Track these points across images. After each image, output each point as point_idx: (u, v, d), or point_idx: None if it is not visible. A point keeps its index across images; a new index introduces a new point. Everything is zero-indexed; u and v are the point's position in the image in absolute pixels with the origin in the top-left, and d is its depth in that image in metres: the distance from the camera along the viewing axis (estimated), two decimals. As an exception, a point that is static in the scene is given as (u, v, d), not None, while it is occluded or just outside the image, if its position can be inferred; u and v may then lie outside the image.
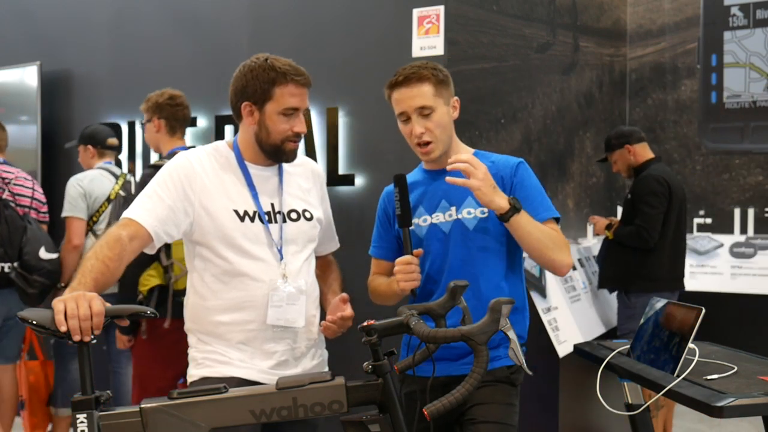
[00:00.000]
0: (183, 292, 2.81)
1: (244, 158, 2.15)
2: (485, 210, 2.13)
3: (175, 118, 3.29)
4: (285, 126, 2.08)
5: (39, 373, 3.95)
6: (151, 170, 3.07)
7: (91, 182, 3.78)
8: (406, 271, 2.09)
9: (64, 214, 3.74)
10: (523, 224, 2.04)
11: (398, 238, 2.30)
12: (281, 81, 2.05)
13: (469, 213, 2.15)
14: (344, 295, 2.11)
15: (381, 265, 2.35)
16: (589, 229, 4.93)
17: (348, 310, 2.07)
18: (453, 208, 2.17)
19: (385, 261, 2.34)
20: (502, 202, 2.01)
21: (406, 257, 2.10)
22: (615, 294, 4.22)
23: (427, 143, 2.14)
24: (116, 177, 3.86)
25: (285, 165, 2.20)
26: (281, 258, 2.10)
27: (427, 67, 2.15)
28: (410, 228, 2.19)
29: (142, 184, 3.07)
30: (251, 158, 2.15)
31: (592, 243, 4.82)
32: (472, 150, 2.27)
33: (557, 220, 2.17)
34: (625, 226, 4.05)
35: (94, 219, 3.77)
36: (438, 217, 2.19)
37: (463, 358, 2.12)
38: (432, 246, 2.17)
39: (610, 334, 4.11)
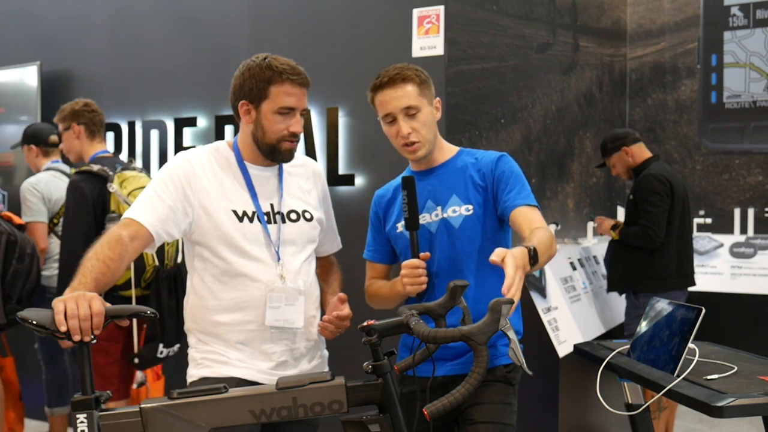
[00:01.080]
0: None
1: (244, 158, 2.14)
2: (470, 207, 2.14)
3: (93, 122, 3.39)
4: (281, 126, 2.07)
5: (12, 369, 3.93)
6: (80, 176, 3.13)
7: (47, 185, 3.80)
8: (413, 275, 2.09)
9: (25, 219, 3.73)
10: (542, 260, 1.91)
11: (390, 240, 2.30)
12: (277, 80, 2.05)
13: (454, 211, 2.15)
14: (342, 294, 2.11)
15: (376, 269, 2.34)
16: (589, 229, 4.93)
17: (345, 310, 2.07)
18: (439, 208, 2.17)
19: (380, 264, 2.34)
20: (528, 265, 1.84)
21: (414, 261, 2.10)
22: (622, 294, 4.21)
23: (414, 143, 2.14)
24: (68, 176, 3.82)
25: (285, 165, 2.20)
26: (278, 259, 2.10)
27: (409, 68, 2.15)
28: (400, 230, 2.19)
29: (71, 190, 3.12)
30: (251, 158, 2.15)
31: (592, 243, 4.82)
32: (456, 149, 2.27)
33: (537, 208, 2.09)
34: (630, 227, 4.04)
35: (55, 221, 3.80)
36: (425, 218, 2.18)
37: (460, 357, 2.12)
38: (420, 247, 2.16)
39: (610, 334, 4.11)
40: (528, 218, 2.02)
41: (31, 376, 4.87)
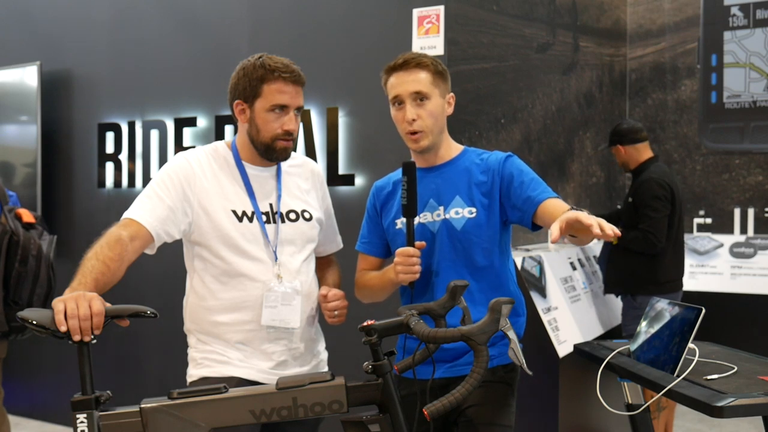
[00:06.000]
0: None
1: (242, 158, 2.15)
2: (473, 210, 2.11)
3: None
4: (275, 124, 2.07)
5: None
6: None
7: None
8: (407, 263, 2.04)
9: None
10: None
11: (386, 235, 2.27)
12: (269, 78, 2.05)
13: (457, 213, 2.12)
14: (322, 289, 2.16)
15: (368, 261, 2.31)
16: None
17: (330, 293, 2.10)
18: (441, 208, 2.14)
19: (373, 257, 2.30)
20: None
21: (408, 249, 2.05)
22: (619, 296, 4.20)
23: (417, 132, 2.11)
24: None
25: (283, 165, 2.20)
26: (276, 258, 2.10)
27: (426, 56, 2.14)
28: (399, 227, 2.17)
29: None
30: (249, 158, 2.15)
31: (593, 243, 4.81)
32: (461, 148, 2.24)
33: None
34: (630, 231, 3.99)
35: None
36: (426, 217, 2.15)
37: (459, 359, 2.11)
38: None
39: (610, 334, 4.11)
40: (559, 206, 1.98)
41: (31, 376, 4.88)
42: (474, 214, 2.11)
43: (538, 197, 2.04)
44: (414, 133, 2.11)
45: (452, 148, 2.23)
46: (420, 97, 2.09)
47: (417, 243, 2.08)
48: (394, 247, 2.20)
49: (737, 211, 5.67)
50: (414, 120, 2.09)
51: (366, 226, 2.33)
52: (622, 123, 4.41)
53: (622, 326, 4.11)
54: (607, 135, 4.42)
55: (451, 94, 2.19)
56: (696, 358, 2.34)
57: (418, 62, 2.10)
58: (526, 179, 2.09)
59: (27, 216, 3.34)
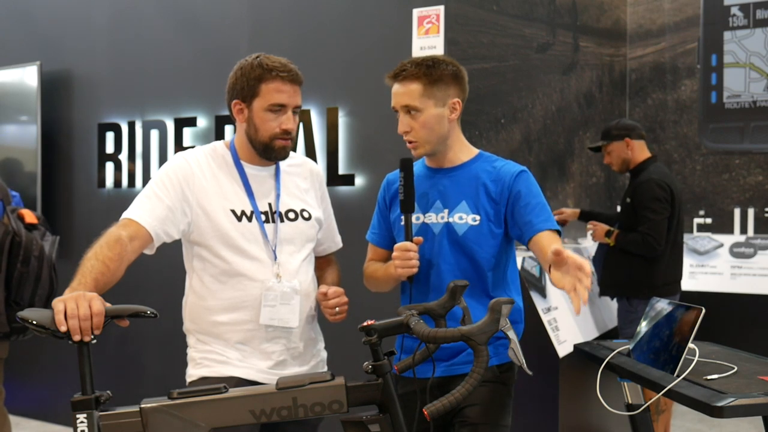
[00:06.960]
0: None
1: (241, 158, 2.15)
2: (477, 218, 2.10)
3: None
4: (273, 123, 2.07)
5: None
6: None
7: None
8: (404, 258, 2.06)
9: None
10: None
11: (393, 229, 2.28)
12: (267, 77, 2.06)
13: (461, 218, 2.12)
14: (321, 287, 2.14)
15: (376, 251, 2.32)
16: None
17: (330, 290, 2.09)
18: (446, 211, 2.14)
19: (381, 248, 2.31)
20: None
21: (406, 244, 2.07)
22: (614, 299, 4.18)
23: (411, 141, 2.12)
24: None
25: (282, 165, 2.20)
26: (275, 258, 2.10)
27: (422, 64, 2.09)
28: (403, 223, 2.18)
29: None
30: (247, 158, 2.15)
31: (591, 244, 4.81)
32: (475, 152, 2.22)
33: (558, 232, 2.06)
34: (628, 233, 3.93)
35: None
36: (430, 217, 2.16)
37: (455, 357, 2.10)
38: (422, 245, 2.14)
39: (610, 334, 4.10)
40: (550, 243, 1.97)
41: (31, 376, 4.88)
42: (477, 222, 2.11)
43: (537, 225, 2.05)
44: (409, 142, 2.13)
45: (464, 152, 2.20)
46: (410, 110, 2.10)
47: (415, 238, 2.10)
48: (399, 240, 2.21)
49: (737, 211, 5.67)
50: (407, 132, 2.11)
51: (376, 217, 2.35)
52: (622, 119, 4.38)
53: (619, 329, 4.08)
54: (608, 125, 4.36)
55: (456, 99, 2.13)
56: (696, 358, 2.33)
57: (409, 74, 2.09)
58: (533, 202, 2.08)
59: (29, 217, 3.33)
